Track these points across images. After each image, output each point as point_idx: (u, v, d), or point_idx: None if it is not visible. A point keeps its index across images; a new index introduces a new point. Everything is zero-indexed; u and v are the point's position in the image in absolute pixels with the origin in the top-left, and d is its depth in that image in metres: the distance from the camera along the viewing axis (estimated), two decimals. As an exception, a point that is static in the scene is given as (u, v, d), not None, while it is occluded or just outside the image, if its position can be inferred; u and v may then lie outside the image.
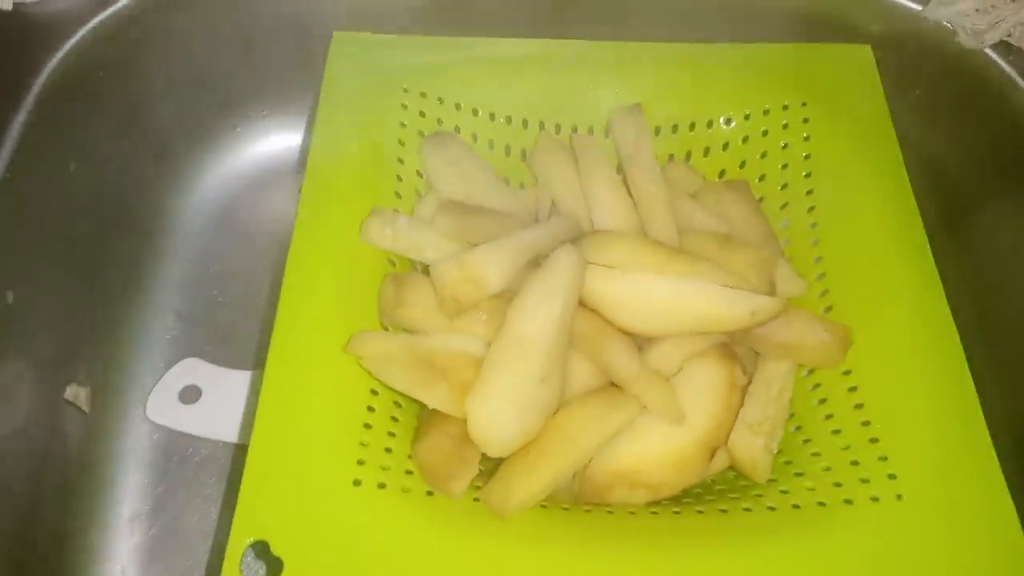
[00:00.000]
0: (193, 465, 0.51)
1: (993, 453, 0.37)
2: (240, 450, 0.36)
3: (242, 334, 0.54)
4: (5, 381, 0.45)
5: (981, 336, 0.51)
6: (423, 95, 0.50)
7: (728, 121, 0.51)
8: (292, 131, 0.60)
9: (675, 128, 0.51)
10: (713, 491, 0.42)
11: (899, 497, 0.37)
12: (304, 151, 0.52)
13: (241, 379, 0.52)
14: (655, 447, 0.40)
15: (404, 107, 0.49)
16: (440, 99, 0.50)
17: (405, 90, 0.49)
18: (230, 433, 0.51)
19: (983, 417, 0.38)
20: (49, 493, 0.47)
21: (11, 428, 0.45)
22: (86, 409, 0.50)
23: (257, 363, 0.50)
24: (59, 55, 0.48)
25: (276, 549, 0.34)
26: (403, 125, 0.48)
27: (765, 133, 0.50)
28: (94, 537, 0.48)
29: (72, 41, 0.48)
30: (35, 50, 0.47)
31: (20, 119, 0.45)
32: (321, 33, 0.51)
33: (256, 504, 0.35)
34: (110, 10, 0.49)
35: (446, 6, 0.53)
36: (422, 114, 0.49)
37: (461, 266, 0.41)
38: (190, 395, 0.52)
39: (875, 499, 0.37)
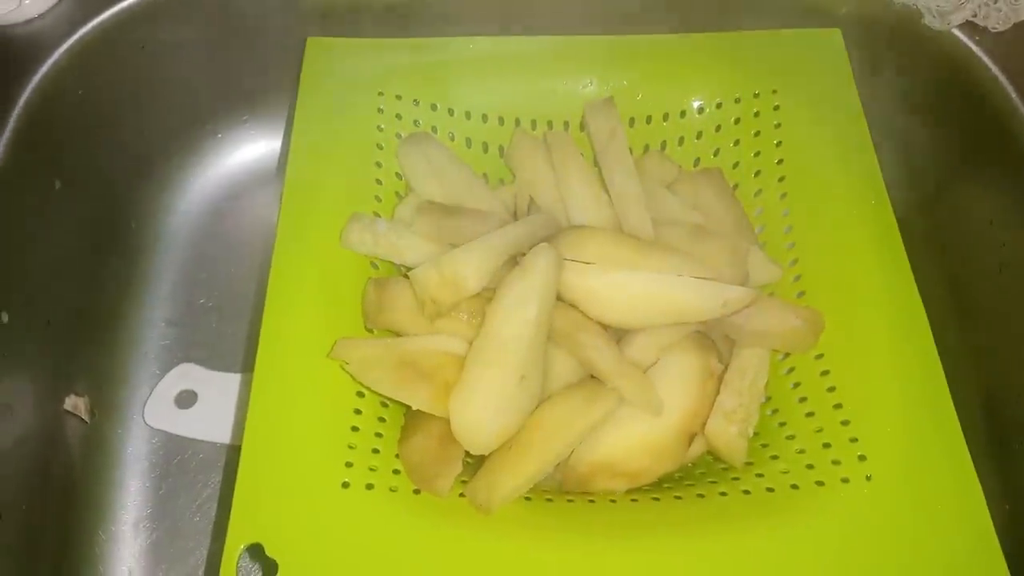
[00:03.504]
0: (192, 467, 0.53)
1: (960, 434, 0.39)
2: (235, 451, 0.37)
3: (233, 338, 0.55)
4: (5, 397, 0.46)
5: (955, 313, 0.52)
6: (399, 97, 0.50)
7: (701, 110, 0.52)
8: (274, 135, 0.60)
9: (649, 119, 0.52)
10: (693, 475, 0.43)
11: (868, 478, 0.38)
12: (282, 158, 0.53)
13: (234, 381, 0.54)
14: (634, 437, 0.41)
15: (380, 111, 0.50)
16: (416, 101, 0.51)
17: (380, 93, 0.50)
18: (226, 434, 0.52)
19: (951, 398, 0.40)
20: (54, 502, 0.49)
21: (13, 441, 0.47)
22: (86, 418, 0.52)
23: (246, 366, 0.51)
24: (38, 76, 0.48)
25: (271, 551, 0.35)
26: (380, 128, 0.49)
27: (737, 121, 0.51)
28: (101, 543, 0.50)
29: (50, 61, 0.49)
30: (13, 72, 0.48)
31: (2, 140, 0.46)
32: (298, 38, 0.51)
33: (250, 509, 0.37)
34: (86, 27, 0.50)
35: (417, 7, 0.53)
36: (399, 116, 0.50)
37: (439, 269, 0.42)
38: (186, 399, 0.54)
39: (845, 480, 0.38)
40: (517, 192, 0.51)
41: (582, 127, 0.52)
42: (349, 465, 0.38)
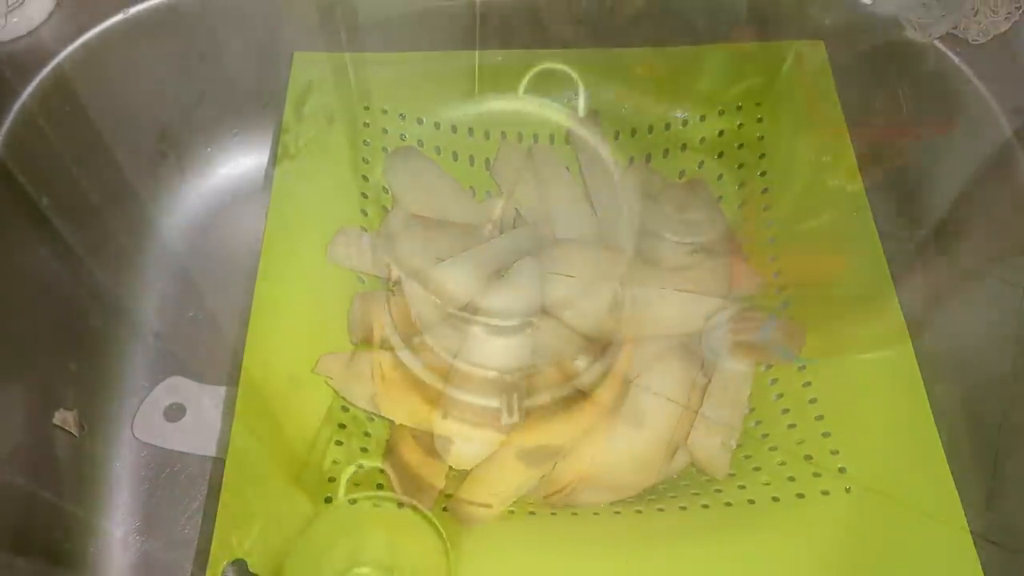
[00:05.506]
0: (181, 481, 0.53)
1: (940, 445, 0.39)
2: (222, 464, 0.37)
3: (222, 351, 0.55)
4: (-7, 411, 0.47)
5: (935, 323, 0.52)
6: (385, 111, 0.51)
7: (685, 123, 0.52)
8: (263, 149, 0.60)
9: (634, 132, 0.53)
10: (677, 487, 0.44)
11: (848, 490, 0.38)
12: (269, 172, 0.53)
13: (223, 395, 0.54)
14: (617, 449, 0.42)
15: (366, 125, 0.50)
16: (402, 115, 0.51)
17: (367, 107, 0.50)
18: (214, 448, 0.52)
19: (930, 409, 0.40)
20: (43, 516, 0.49)
21: (2, 456, 0.47)
22: (75, 432, 0.52)
23: (234, 379, 0.52)
24: (25, 93, 0.48)
25: (254, 567, 0.36)
26: (366, 143, 0.50)
27: (721, 134, 0.51)
28: (90, 556, 0.50)
29: (37, 79, 0.49)
30: (0, 90, 0.48)
31: (-10, 158, 0.46)
32: (286, 52, 0.51)
33: (233, 525, 0.36)
34: (74, 45, 0.50)
35: (405, 23, 0.54)
36: (385, 130, 0.50)
37: (425, 283, 0.42)
38: (174, 413, 0.54)
39: (826, 493, 0.38)
40: (503, 205, 0.51)
41: (567, 140, 0.52)
42: (332, 480, 0.38)
